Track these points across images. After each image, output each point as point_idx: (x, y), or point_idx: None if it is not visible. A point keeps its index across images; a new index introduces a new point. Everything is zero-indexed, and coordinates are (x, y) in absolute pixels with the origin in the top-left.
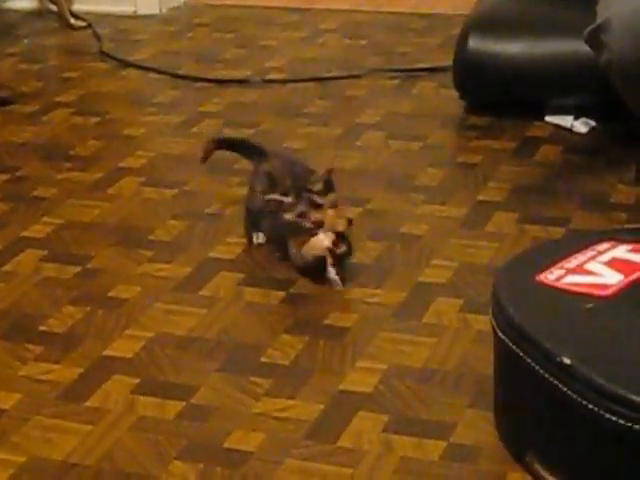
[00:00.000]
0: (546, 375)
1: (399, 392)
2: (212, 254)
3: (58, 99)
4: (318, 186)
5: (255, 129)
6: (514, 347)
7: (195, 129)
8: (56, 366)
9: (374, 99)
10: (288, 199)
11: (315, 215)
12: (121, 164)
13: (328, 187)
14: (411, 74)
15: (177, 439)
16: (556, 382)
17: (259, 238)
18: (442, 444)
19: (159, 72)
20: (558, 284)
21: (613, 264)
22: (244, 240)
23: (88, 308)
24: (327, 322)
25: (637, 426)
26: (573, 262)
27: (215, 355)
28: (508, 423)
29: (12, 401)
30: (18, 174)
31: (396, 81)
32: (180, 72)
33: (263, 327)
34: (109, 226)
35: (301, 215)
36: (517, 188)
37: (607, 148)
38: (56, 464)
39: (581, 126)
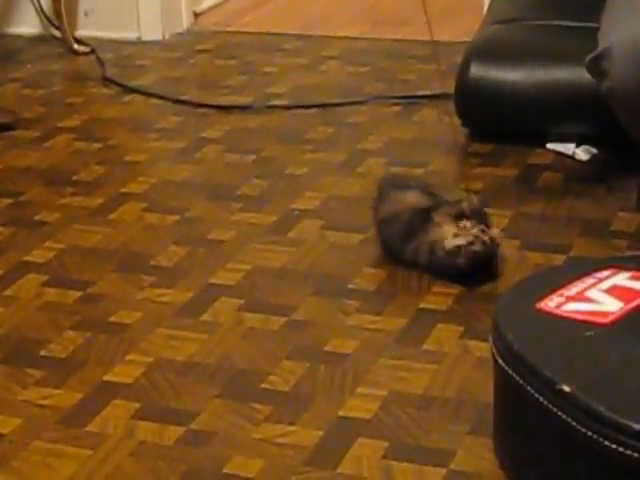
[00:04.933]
0: (546, 402)
1: (399, 419)
2: (213, 280)
3: (61, 124)
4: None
5: (257, 155)
6: (514, 374)
7: (197, 155)
8: (56, 391)
9: (376, 126)
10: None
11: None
12: (123, 190)
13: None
14: (413, 101)
15: (177, 464)
16: (556, 410)
17: None
18: (442, 471)
19: (162, 98)
20: (558, 311)
21: (613, 291)
22: (245, 266)
23: (89, 333)
24: (327, 348)
25: (637, 454)
26: (573, 289)
27: (215, 381)
28: (508, 450)
29: (12, 426)
30: (21, 199)
31: (398, 108)
32: (183, 98)
33: (263, 353)
34: (111, 251)
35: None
36: (518, 215)
37: (608, 176)
38: None
39: (583, 154)
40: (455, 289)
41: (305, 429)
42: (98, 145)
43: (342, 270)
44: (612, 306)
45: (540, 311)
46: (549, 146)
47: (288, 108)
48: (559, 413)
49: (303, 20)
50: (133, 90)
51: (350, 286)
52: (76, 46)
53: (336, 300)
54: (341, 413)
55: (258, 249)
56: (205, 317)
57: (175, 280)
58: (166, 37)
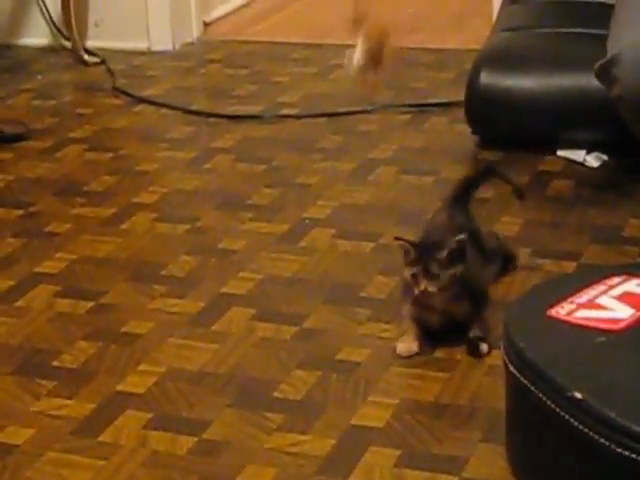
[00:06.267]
0: (557, 409)
1: (411, 427)
2: (224, 289)
3: (72, 135)
4: (441, 254)
5: (268, 164)
6: (525, 381)
7: (208, 165)
8: (69, 401)
9: (386, 134)
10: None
11: (424, 285)
12: (134, 200)
13: (454, 258)
14: (423, 109)
15: (189, 474)
16: (567, 416)
17: None
18: (454, 479)
19: (172, 108)
20: (569, 319)
21: (624, 298)
22: (256, 275)
23: (101, 343)
24: (339, 357)
25: None
26: (584, 297)
27: (227, 390)
28: (520, 457)
29: (25, 436)
30: (32, 210)
31: (408, 116)
32: (193, 108)
33: (275, 362)
34: (122, 261)
35: (414, 277)
36: (529, 222)
37: (619, 182)
38: None
39: (593, 160)
40: None
41: (317, 438)
42: (109, 155)
43: (353, 279)
44: (623, 313)
45: (551, 318)
46: (559, 153)
47: (298, 117)
48: (571, 420)
49: (312, 29)
50: (143, 100)
51: (361, 295)
52: (86, 57)
53: (347, 309)
54: (353, 422)
55: (269, 258)
56: (217, 327)
57: (186, 290)
58: (176, 47)
